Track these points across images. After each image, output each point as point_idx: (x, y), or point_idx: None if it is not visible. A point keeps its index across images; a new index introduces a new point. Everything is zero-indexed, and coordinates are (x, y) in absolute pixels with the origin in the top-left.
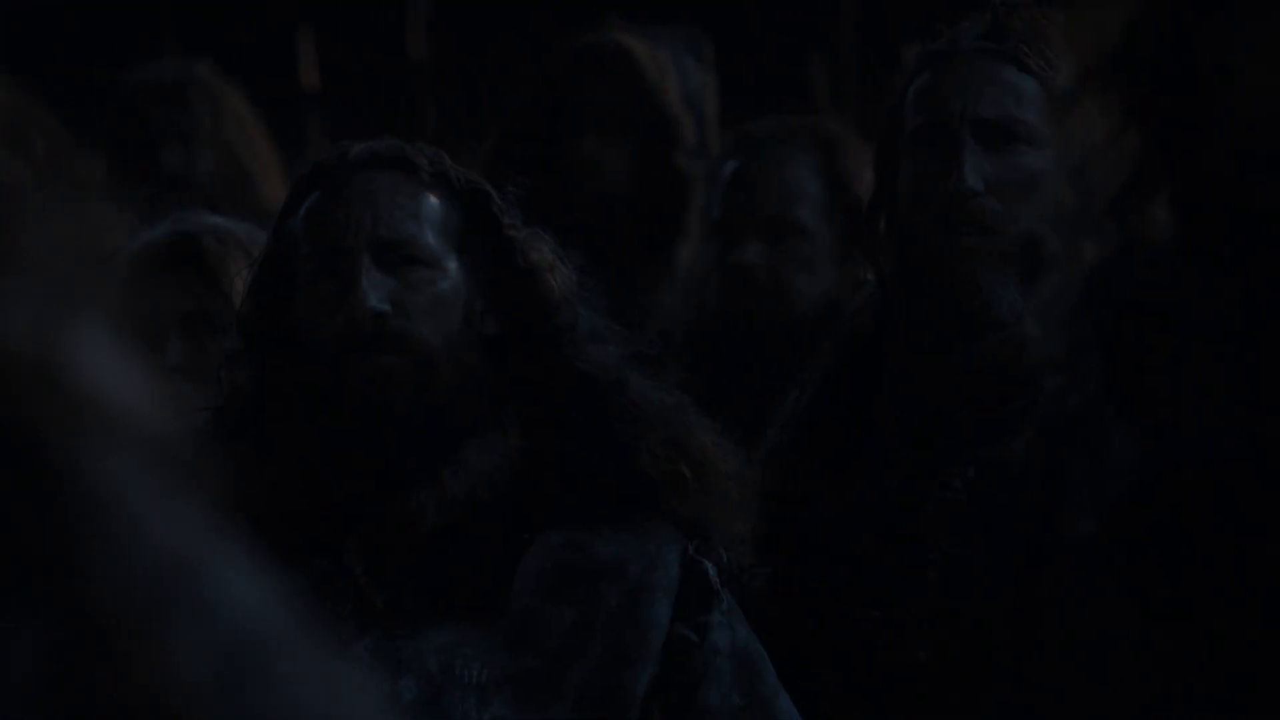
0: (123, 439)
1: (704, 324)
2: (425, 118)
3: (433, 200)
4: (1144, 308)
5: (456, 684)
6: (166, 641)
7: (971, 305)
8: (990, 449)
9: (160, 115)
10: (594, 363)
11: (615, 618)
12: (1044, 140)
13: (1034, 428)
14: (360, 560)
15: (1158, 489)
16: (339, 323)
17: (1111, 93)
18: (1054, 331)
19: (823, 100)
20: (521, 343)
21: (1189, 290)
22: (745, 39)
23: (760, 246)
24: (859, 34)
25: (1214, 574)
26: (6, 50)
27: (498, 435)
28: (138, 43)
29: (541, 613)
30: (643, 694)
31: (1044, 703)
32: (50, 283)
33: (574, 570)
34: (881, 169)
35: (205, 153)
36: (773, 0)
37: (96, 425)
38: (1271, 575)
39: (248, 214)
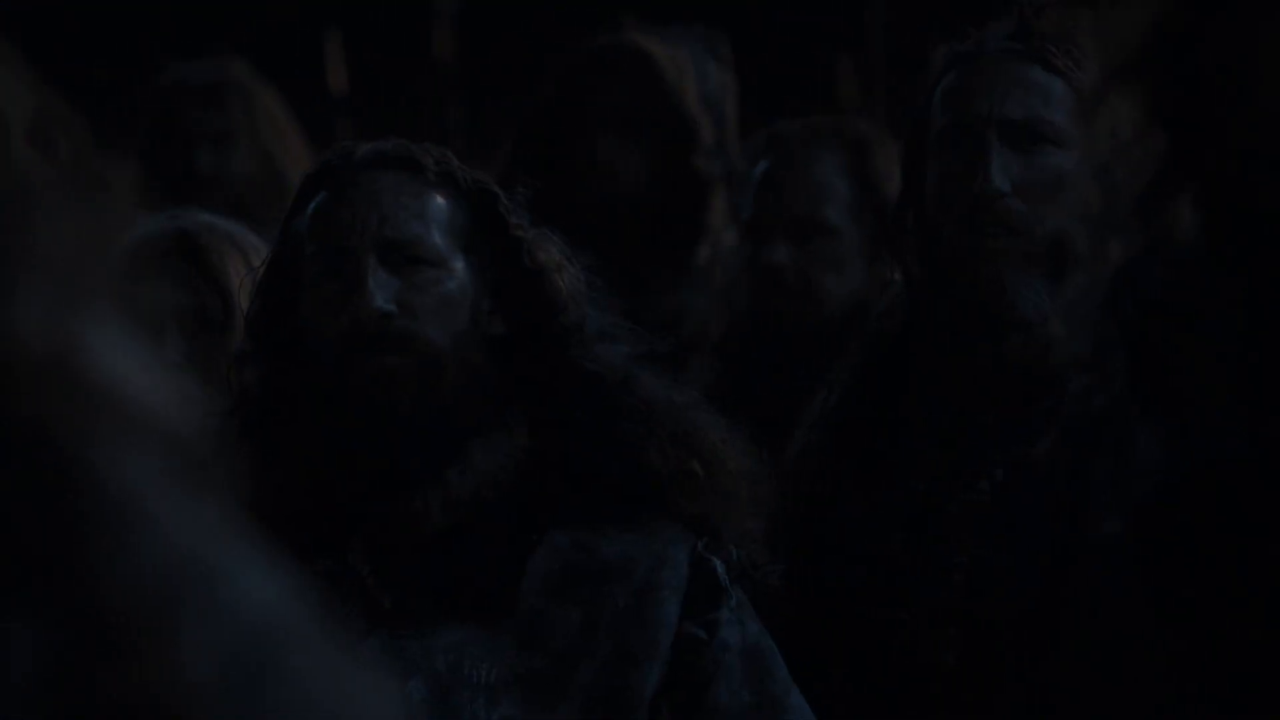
0: (137, 436)
1: (735, 324)
2: (452, 120)
3: (439, 200)
4: (1169, 307)
5: (465, 684)
6: (174, 640)
7: (997, 306)
8: (1017, 450)
9: (195, 115)
10: (601, 362)
11: (622, 617)
12: (1071, 141)
13: (1060, 428)
14: (366, 561)
15: (1182, 488)
16: (344, 323)
17: (1136, 92)
18: (1080, 331)
19: (851, 100)
20: (528, 343)
21: (1213, 290)
22: (773, 40)
23: (789, 247)
24: (887, 34)
25: (1236, 574)
26: (33, 50)
27: (503, 435)
28: (164, 45)
29: (548, 613)
30: (651, 693)
31: (1059, 702)
32: (65, 280)
33: (581, 570)
34: (908, 170)
35: (239, 153)
36: (801, 1)
37: (111, 422)
38: None
39: (281, 215)
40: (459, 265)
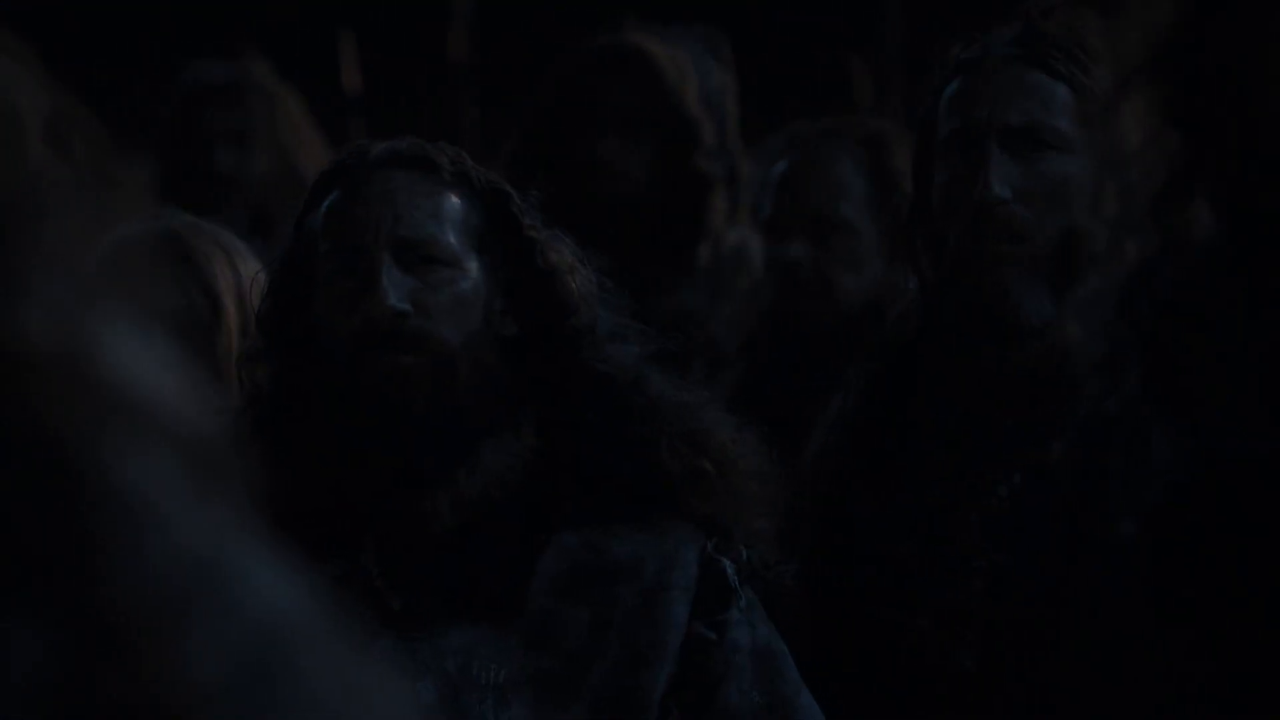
0: (149, 435)
1: (758, 324)
2: (467, 120)
3: (453, 200)
4: (1182, 308)
5: (474, 686)
6: (180, 641)
7: (1001, 312)
8: (1032, 454)
9: (215, 115)
10: (612, 363)
11: (632, 618)
12: (1074, 145)
13: (1074, 431)
14: (376, 562)
15: (1194, 489)
16: (358, 321)
17: (1149, 94)
18: (1093, 334)
19: (865, 99)
20: (540, 344)
21: (1226, 291)
22: (787, 39)
23: (806, 244)
24: (903, 33)
25: (1246, 574)
26: (47, 50)
27: (511, 435)
28: (178, 45)
29: (558, 613)
30: (661, 694)
31: (1069, 704)
32: (77, 279)
33: (590, 570)
34: (917, 175)
35: (258, 153)
36: (817, 1)
37: (121, 421)
38: None
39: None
40: (472, 265)
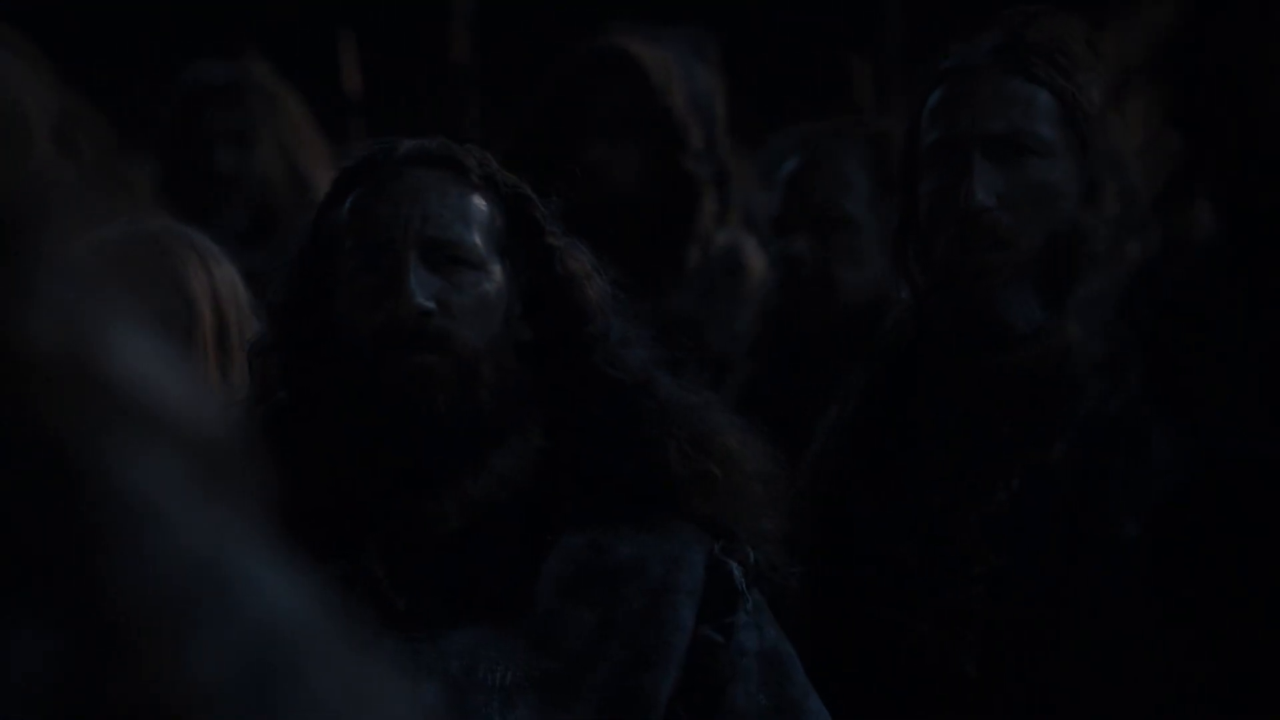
0: (155, 436)
1: (765, 324)
2: (467, 120)
3: (480, 202)
4: (1183, 308)
5: (479, 687)
6: (181, 642)
7: (990, 318)
8: (1032, 456)
9: (215, 115)
10: (624, 368)
11: (636, 619)
12: (1057, 150)
13: (1075, 432)
14: (381, 563)
15: (1194, 489)
16: (381, 319)
17: (1152, 93)
18: (1094, 334)
19: (866, 99)
20: (555, 349)
21: (1227, 290)
22: (789, 38)
23: (809, 240)
24: (903, 33)
25: (1247, 574)
26: (48, 51)
27: (518, 437)
28: (179, 46)
29: (562, 614)
30: (666, 696)
31: (1060, 703)
32: (83, 280)
33: (595, 571)
34: (904, 184)
35: (259, 153)
36: (817, 1)
37: (127, 423)
38: None
39: (301, 215)
40: (496, 268)
